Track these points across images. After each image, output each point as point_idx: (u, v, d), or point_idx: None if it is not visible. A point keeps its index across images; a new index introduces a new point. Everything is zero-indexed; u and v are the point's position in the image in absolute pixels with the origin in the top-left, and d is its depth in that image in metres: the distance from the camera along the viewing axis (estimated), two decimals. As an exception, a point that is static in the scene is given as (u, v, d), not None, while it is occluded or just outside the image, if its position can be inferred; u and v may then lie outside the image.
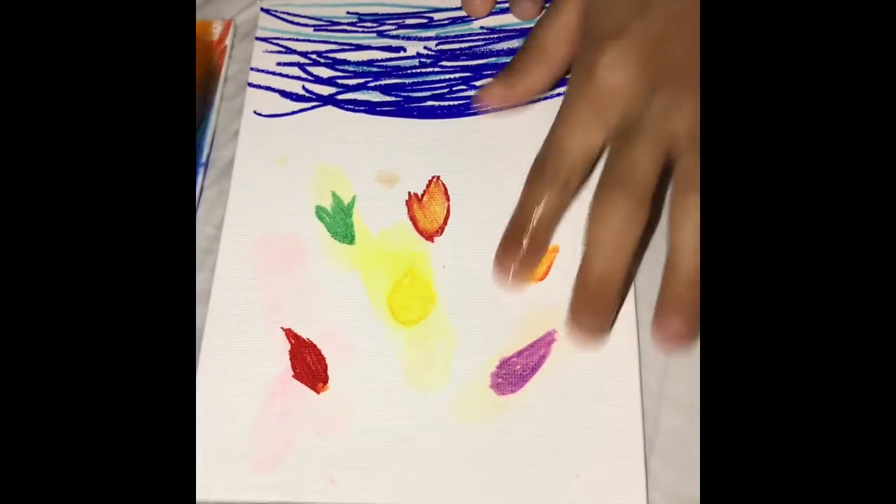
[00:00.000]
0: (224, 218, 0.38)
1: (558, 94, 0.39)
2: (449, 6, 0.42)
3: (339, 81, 0.41)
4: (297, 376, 0.35)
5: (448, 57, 0.41)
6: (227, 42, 0.43)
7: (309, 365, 0.35)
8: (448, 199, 0.38)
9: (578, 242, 0.36)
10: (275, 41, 0.42)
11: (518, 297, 0.35)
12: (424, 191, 0.38)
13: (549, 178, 0.34)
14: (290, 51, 0.42)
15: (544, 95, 0.39)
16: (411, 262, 0.37)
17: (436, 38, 0.42)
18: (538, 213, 0.34)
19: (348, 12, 0.43)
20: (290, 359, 0.35)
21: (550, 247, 0.36)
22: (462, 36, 0.42)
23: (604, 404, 0.33)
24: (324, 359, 0.35)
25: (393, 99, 0.40)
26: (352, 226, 0.37)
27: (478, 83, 0.40)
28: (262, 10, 0.43)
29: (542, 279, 0.36)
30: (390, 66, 0.41)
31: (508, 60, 0.40)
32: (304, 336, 0.35)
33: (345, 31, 0.42)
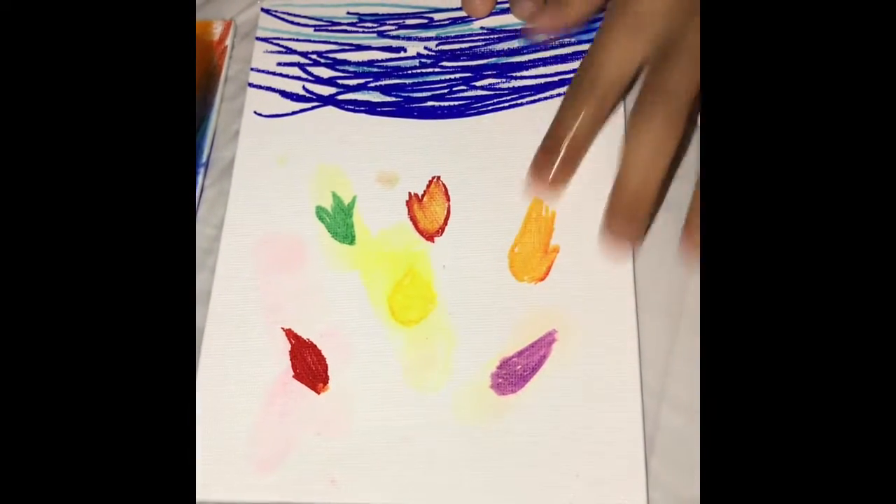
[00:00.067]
0: (224, 218, 0.38)
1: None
2: (449, 6, 0.42)
3: (340, 82, 0.41)
4: (297, 376, 0.35)
5: (448, 57, 0.41)
6: (228, 42, 0.43)
7: (309, 365, 0.35)
8: (448, 200, 0.38)
9: (579, 243, 0.36)
10: (275, 41, 0.42)
11: (518, 297, 0.35)
12: (425, 191, 0.38)
13: (586, 93, 0.35)
14: (290, 51, 0.42)
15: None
16: (411, 263, 0.37)
17: (436, 38, 0.42)
18: (575, 125, 0.35)
19: (349, 12, 0.43)
20: (291, 359, 0.35)
21: (551, 246, 0.36)
22: (462, 36, 0.42)
23: (604, 404, 0.33)
24: (324, 359, 0.35)
25: (393, 99, 0.40)
26: (352, 226, 0.37)
27: (478, 83, 0.40)
28: (262, 10, 0.43)
29: (542, 279, 0.36)
30: (391, 67, 0.41)
31: (509, 60, 0.40)
32: (305, 336, 0.35)
33: (345, 31, 0.42)
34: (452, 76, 0.41)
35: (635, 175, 0.33)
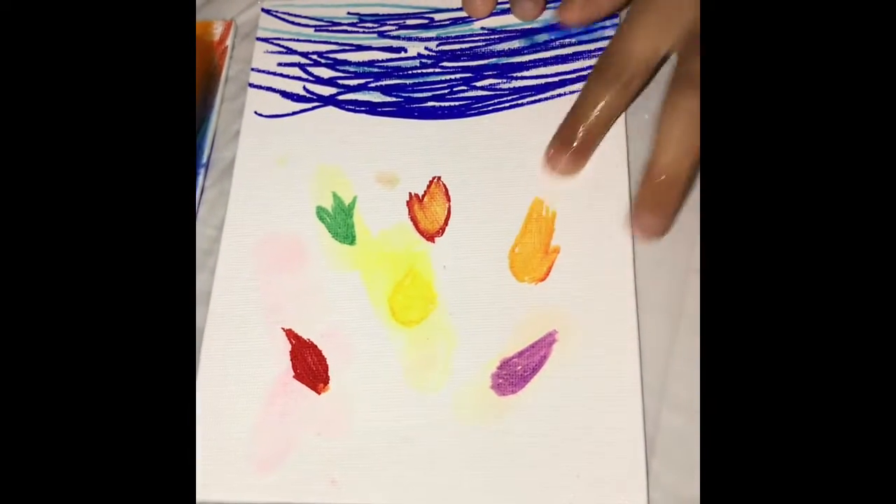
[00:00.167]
0: (225, 219, 0.38)
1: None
2: (450, 7, 0.42)
3: (340, 82, 0.41)
4: (297, 377, 0.35)
5: (449, 57, 0.41)
6: (228, 42, 0.43)
7: (310, 365, 0.35)
8: (449, 200, 0.38)
9: (579, 243, 0.36)
10: (275, 42, 0.42)
11: (519, 297, 0.35)
12: (425, 191, 0.38)
13: (610, 77, 0.35)
14: (290, 51, 0.42)
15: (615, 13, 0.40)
16: (412, 263, 0.37)
17: (436, 38, 0.42)
18: (596, 110, 0.35)
19: (349, 13, 0.43)
20: (291, 359, 0.35)
21: (552, 247, 0.36)
22: (463, 36, 0.42)
23: (604, 404, 0.33)
24: (324, 359, 0.35)
25: (394, 99, 0.40)
26: (352, 226, 0.37)
27: (478, 84, 0.40)
28: (262, 10, 0.43)
29: (542, 280, 0.36)
30: (391, 67, 0.41)
31: (510, 61, 0.40)
32: (305, 336, 0.35)
33: (345, 31, 0.42)
34: (453, 76, 0.41)
35: (667, 161, 0.33)
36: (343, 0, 0.43)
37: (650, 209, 0.34)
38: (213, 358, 0.35)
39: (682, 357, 0.34)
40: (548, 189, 0.37)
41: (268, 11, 0.43)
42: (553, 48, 0.40)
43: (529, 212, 0.37)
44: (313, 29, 0.43)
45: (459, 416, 0.33)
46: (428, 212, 0.37)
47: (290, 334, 0.35)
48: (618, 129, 0.37)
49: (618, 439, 0.32)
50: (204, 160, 0.40)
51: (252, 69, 0.42)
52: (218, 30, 0.43)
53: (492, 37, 0.41)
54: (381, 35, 0.42)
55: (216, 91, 0.42)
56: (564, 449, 0.32)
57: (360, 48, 0.42)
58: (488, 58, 0.41)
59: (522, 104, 0.39)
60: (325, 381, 0.34)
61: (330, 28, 0.43)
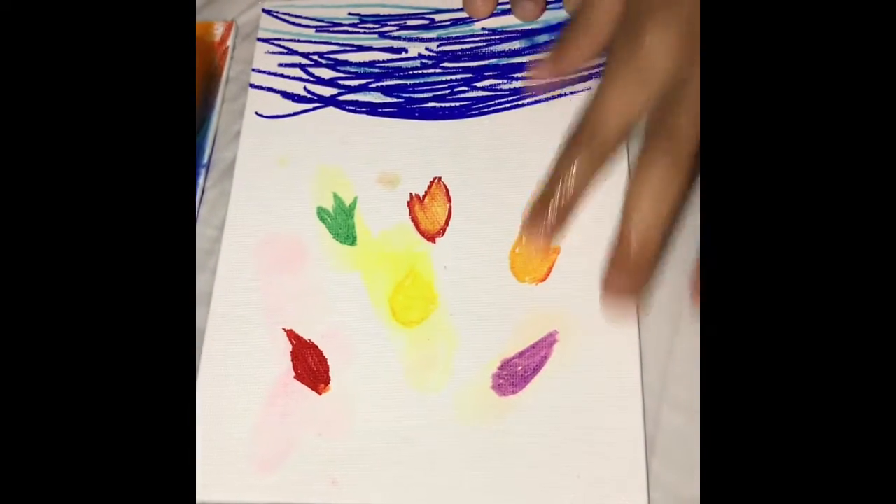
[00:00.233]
0: (225, 219, 0.38)
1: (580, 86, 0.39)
2: (450, 7, 0.42)
3: (341, 82, 0.41)
4: (298, 377, 0.35)
5: (450, 58, 0.41)
6: (229, 43, 0.43)
7: (310, 366, 0.35)
8: (449, 200, 0.38)
9: (580, 244, 0.36)
10: (276, 42, 0.43)
11: (520, 297, 0.35)
12: (426, 192, 0.38)
13: (584, 145, 0.34)
14: (291, 52, 0.42)
15: (590, 70, 0.39)
16: (413, 263, 0.37)
17: (437, 39, 0.42)
18: (570, 180, 0.34)
19: (350, 13, 0.43)
20: (292, 360, 0.35)
21: (552, 247, 0.36)
22: (464, 37, 0.42)
23: (605, 405, 0.33)
24: (325, 360, 0.35)
25: (394, 100, 0.40)
26: (353, 227, 0.38)
27: (479, 84, 0.40)
28: (263, 11, 0.44)
29: (543, 280, 0.36)
30: (392, 68, 0.41)
31: (510, 61, 0.40)
32: (306, 337, 0.35)
33: (346, 32, 0.42)
34: (454, 77, 0.41)
35: (638, 227, 0.31)
36: (344, 1, 0.43)
37: (624, 272, 0.32)
38: (213, 358, 0.35)
39: (683, 357, 0.34)
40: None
41: (268, 12, 0.43)
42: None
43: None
44: (314, 29, 0.43)
45: (460, 416, 0.33)
46: (429, 212, 0.38)
47: (291, 335, 0.35)
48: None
49: (618, 439, 0.32)
50: (205, 160, 0.40)
51: (253, 70, 0.42)
52: (219, 30, 0.43)
53: (492, 37, 0.41)
54: (382, 36, 0.42)
55: (217, 91, 0.42)
56: (565, 449, 0.32)
57: (360, 49, 0.42)
58: (489, 58, 0.41)
59: (523, 105, 0.39)
60: (326, 381, 0.35)
61: (331, 29, 0.43)
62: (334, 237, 0.37)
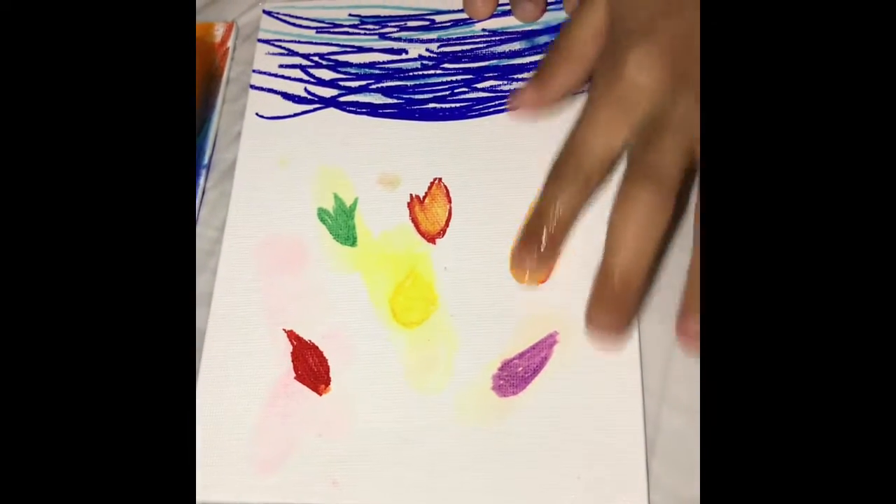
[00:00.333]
0: (226, 220, 0.38)
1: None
2: (451, 8, 0.42)
3: (341, 83, 0.41)
4: (298, 378, 0.35)
5: (450, 59, 0.41)
6: (230, 44, 0.43)
7: (311, 367, 0.35)
8: (450, 201, 0.38)
9: (580, 245, 0.36)
10: (277, 43, 0.43)
11: (520, 298, 0.35)
12: (426, 193, 0.38)
13: (569, 176, 0.33)
14: (292, 53, 0.42)
15: (574, 95, 0.38)
16: (413, 264, 0.37)
17: (438, 40, 0.42)
18: (557, 211, 0.33)
19: (350, 14, 0.43)
20: (292, 360, 0.35)
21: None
22: (464, 38, 0.42)
23: (605, 406, 0.33)
24: (325, 360, 0.35)
25: (395, 101, 0.40)
26: (354, 228, 0.38)
27: (479, 85, 0.40)
28: (264, 12, 0.44)
29: (543, 281, 0.36)
30: (392, 69, 0.41)
31: (511, 62, 0.41)
32: (306, 338, 0.35)
33: (347, 33, 0.42)
34: (454, 78, 0.41)
35: (621, 261, 0.31)
36: (344, 2, 0.43)
37: (608, 310, 0.32)
38: (214, 359, 0.35)
39: (683, 358, 0.34)
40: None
41: (269, 13, 0.43)
42: (554, 50, 0.40)
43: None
44: (314, 30, 0.43)
45: (460, 417, 0.33)
46: (429, 213, 0.38)
47: (292, 335, 0.35)
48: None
49: (618, 440, 0.32)
50: (205, 161, 0.40)
51: (253, 71, 0.42)
52: (219, 31, 0.43)
53: (493, 38, 0.42)
54: (383, 37, 0.42)
55: (217, 92, 0.42)
56: (565, 450, 0.32)
57: (361, 50, 0.42)
58: (489, 59, 0.41)
59: (522, 106, 0.39)
60: (327, 382, 0.35)
61: (331, 30, 0.43)
62: (335, 238, 0.37)
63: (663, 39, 0.33)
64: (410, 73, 0.41)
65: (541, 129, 0.37)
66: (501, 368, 0.34)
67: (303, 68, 0.42)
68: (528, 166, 0.37)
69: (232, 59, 0.43)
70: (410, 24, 0.42)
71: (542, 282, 0.35)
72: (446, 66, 0.41)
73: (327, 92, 0.41)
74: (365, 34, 0.42)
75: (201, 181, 0.39)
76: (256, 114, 0.41)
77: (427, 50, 0.42)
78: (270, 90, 0.41)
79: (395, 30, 0.42)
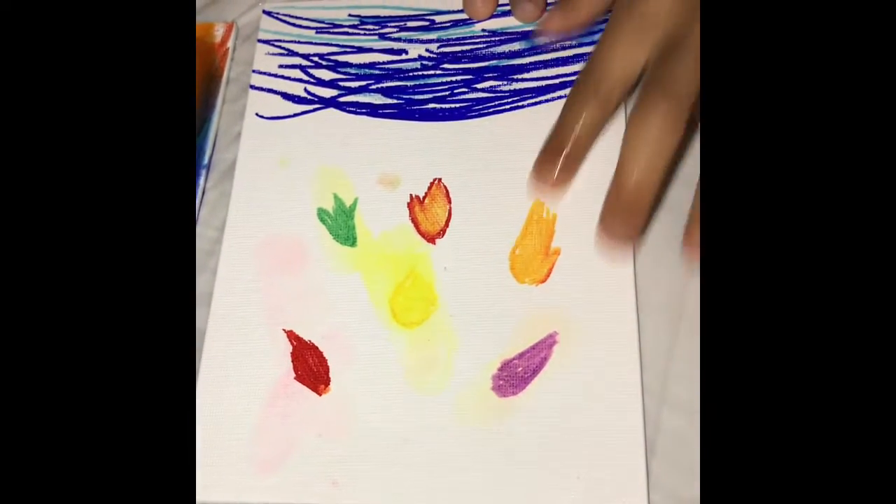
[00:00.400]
0: (226, 220, 0.38)
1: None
2: (451, 9, 0.42)
3: (341, 84, 0.41)
4: (298, 378, 0.35)
5: (450, 59, 0.41)
6: (230, 44, 0.43)
7: (311, 367, 0.35)
8: (450, 202, 0.38)
9: (580, 245, 0.36)
10: (277, 43, 0.43)
11: (520, 298, 0.35)
12: (426, 193, 0.38)
13: (590, 93, 0.35)
14: (292, 53, 0.42)
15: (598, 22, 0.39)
16: (413, 265, 0.37)
17: (437, 40, 0.42)
18: (578, 126, 0.35)
19: (350, 15, 0.43)
20: (292, 360, 0.35)
21: (552, 248, 0.36)
22: (464, 38, 0.42)
23: (604, 406, 0.33)
24: (325, 361, 0.35)
25: (395, 101, 0.40)
26: (353, 228, 0.38)
27: (479, 85, 0.40)
28: (264, 12, 0.44)
29: (543, 281, 0.36)
30: (392, 69, 0.41)
31: (510, 63, 0.41)
32: (306, 338, 0.35)
33: (346, 33, 0.42)
34: (454, 78, 0.41)
35: (634, 172, 0.32)
36: (344, 2, 0.43)
37: (620, 218, 0.33)
38: (214, 359, 0.35)
39: (683, 358, 0.34)
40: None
41: (269, 13, 0.43)
42: (553, 50, 0.41)
43: (530, 214, 0.37)
44: (314, 31, 0.43)
45: (460, 417, 0.33)
46: (429, 213, 0.38)
47: (291, 336, 0.35)
48: (617, 130, 0.37)
49: (618, 441, 0.32)
50: (205, 162, 0.40)
51: (253, 71, 0.42)
52: (219, 32, 0.43)
53: (492, 39, 0.42)
54: (382, 37, 0.42)
55: (217, 93, 0.42)
56: (565, 450, 0.32)
57: (361, 50, 0.42)
58: (489, 60, 0.41)
59: (523, 106, 0.40)
60: (326, 382, 0.35)
61: (331, 30, 0.43)
62: (335, 238, 0.37)
63: None
64: (410, 74, 0.41)
65: (541, 129, 0.37)
66: (501, 369, 0.34)
67: (303, 68, 0.42)
68: (528, 166, 0.37)
69: (232, 59, 0.43)
70: (410, 24, 0.42)
71: (542, 281, 0.36)
72: (446, 66, 0.41)
73: (327, 92, 0.41)
74: (365, 34, 0.42)
75: (201, 181, 0.39)
76: (256, 114, 0.41)
77: (427, 50, 0.42)
78: (270, 90, 0.41)
79: (394, 30, 0.42)
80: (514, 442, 0.33)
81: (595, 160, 0.37)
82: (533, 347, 0.34)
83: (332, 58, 0.42)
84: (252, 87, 0.42)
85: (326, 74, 0.41)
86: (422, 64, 0.41)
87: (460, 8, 0.42)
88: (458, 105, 0.40)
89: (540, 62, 0.40)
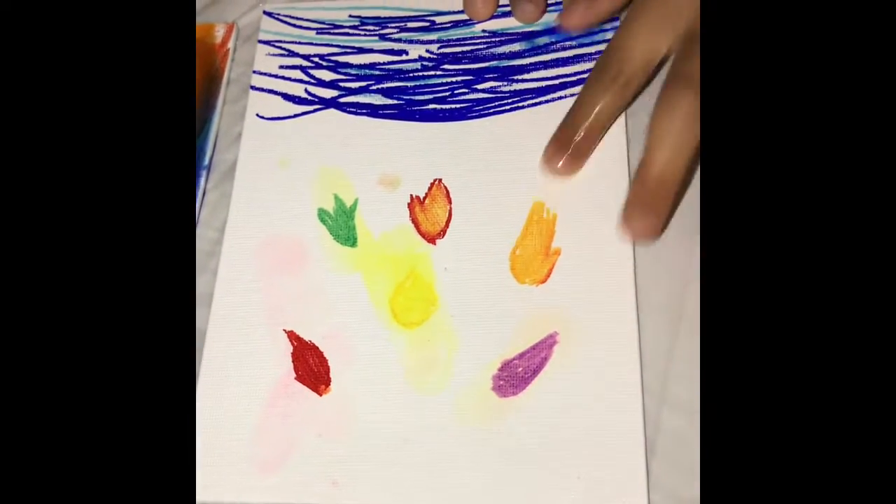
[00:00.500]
0: (226, 221, 0.38)
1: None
2: (451, 9, 0.42)
3: (342, 84, 0.41)
4: (299, 378, 0.35)
5: (450, 60, 0.41)
6: (230, 45, 0.43)
7: (311, 367, 0.35)
8: (450, 202, 0.38)
9: (580, 245, 0.36)
10: (277, 44, 0.43)
11: (520, 299, 0.35)
12: (426, 193, 0.38)
13: (610, 78, 0.35)
14: (292, 54, 0.42)
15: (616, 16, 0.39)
16: (413, 265, 0.37)
17: (438, 41, 0.42)
18: (594, 111, 0.35)
19: (350, 15, 0.43)
20: (293, 361, 0.35)
21: (552, 249, 0.36)
22: (464, 39, 0.42)
23: (605, 406, 0.33)
24: (326, 361, 0.35)
25: (395, 102, 0.40)
26: (354, 228, 0.38)
27: (479, 86, 0.40)
28: (264, 13, 0.44)
29: (543, 281, 0.36)
30: (392, 70, 0.41)
31: (511, 63, 0.41)
32: (307, 338, 0.35)
33: (347, 34, 0.43)
34: (454, 79, 0.41)
35: (660, 160, 0.32)
36: (344, 3, 0.43)
37: (643, 210, 0.33)
38: (214, 359, 0.35)
39: (683, 358, 0.34)
40: (548, 191, 0.37)
41: (270, 14, 0.44)
42: (554, 51, 0.41)
43: (530, 214, 0.37)
44: (315, 31, 0.43)
45: (460, 417, 0.33)
46: (429, 214, 0.38)
47: (292, 336, 0.36)
48: (618, 130, 0.38)
49: (618, 441, 0.32)
50: (206, 162, 0.40)
51: (254, 72, 0.42)
52: (220, 32, 0.43)
53: (493, 39, 0.42)
54: (383, 38, 0.42)
55: (218, 93, 0.42)
56: (565, 450, 0.32)
57: (361, 51, 0.42)
58: (489, 60, 0.41)
59: (523, 107, 0.40)
60: (327, 382, 0.35)
61: (331, 31, 0.43)
62: (335, 239, 0.37)
63: None
64: (411, 74, 0.41)
65: (541, 129, 0.37)
66: (501, 369, 0.34)
67: (303, 69, 0.42)
68: (527, 167, 0.37)
69: (232, 60, 0.43)
70: (411, 25, 0.42)
71: (543, 282, 0.36)
72: (446, 67, 0.41)
73: (328, 93, 0.41)
74: (365, 35, 0.42)
75: (202, 182, 0.39)
76: (257, 115, 0.41)
77: (427, 51, 0.42)
78: (271, 91, 0.41)
79: (395, 31, 0.42)
80: (514, 442, 0.33)
81: (595, 160, 0.37)
82: (533, 347, 0.34)
83: (333, 58, 0.42)
84: (252, 87, 0.42)
85: (327, 75, 0.41)
86: (422, 64, 0.41)
87: (461, 9, 0.42)
88: (458, 106, 0.40)
89: (540, 63, 0.40)
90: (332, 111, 0.41)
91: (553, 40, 0.41)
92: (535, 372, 0.34)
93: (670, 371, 0.34)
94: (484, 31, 0.42)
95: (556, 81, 0.40)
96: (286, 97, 0.41)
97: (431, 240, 0.37)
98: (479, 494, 0.32)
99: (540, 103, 0.39)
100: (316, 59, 0.42)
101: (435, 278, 0.36)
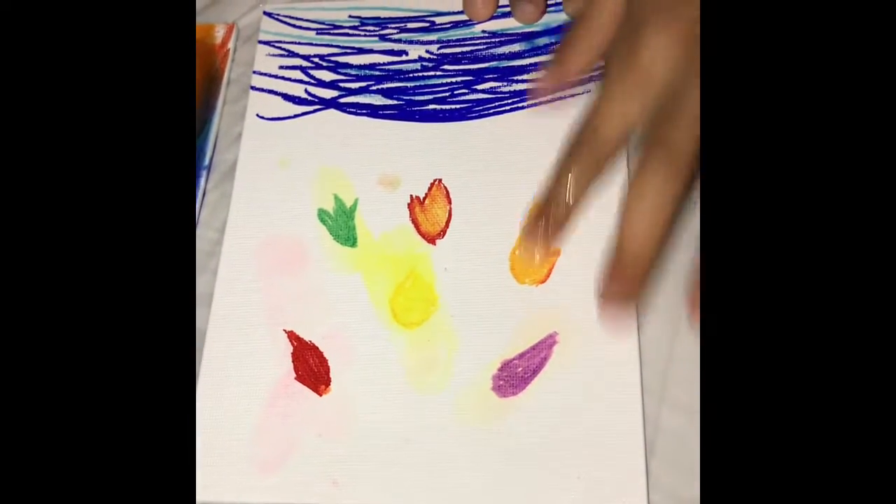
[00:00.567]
0: (227, 221, 0.38)
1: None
2: (451, 10, 0.42)
3: (342, 85, 0.41)
4: (299, 378, 0.35)
5: (450, 60, 0.41)
6: (230, 45, 0.43)
7: (311, 367, 0.35)
8: (450, 202, 0.38)
9: (580, 246, 0.36)
10: (277, 45, 0.43)
11: (520, 299, 0.35)
12: (426, 194, 0.38)
13: (583, 156, 0.34)
14: (292, 54, 0.42)
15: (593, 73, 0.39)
16: (413, 265, 0.37)
17: (438, 41, 0.42)
18: (570, 186, 0.34)
19: (350, 16, 0.43)
20: (293, 361, 0.35)
21: (552, 249, 0.36)
22: (464, 39, 0.42)
23: (604, 406, 0.33)
24: (326, 361, 0.35)
25: (395, 102, 0.40)
26: (354, 228, 0.38)
27: (479, 87, 0.40)
28: (264, 13, 0.44)
29: (543, 282, 0.36)
30: (392, 70, 0.41)
31: (510, 64, 0.41)
32: (307, 338, 0.35)
33: (347, 34, 0.43)
34: (454, 79, 0.41)
35: (636, 234, 0.31)
36: (344, 3, 0.43)
37: (618, 281, 0.32)
38: (214, 359, 0.35)
39: (682, 359, 0.34)
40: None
41: (270, 14, 0.44)
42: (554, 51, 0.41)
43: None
44: (315, 32, 0.43)
45: (460, 417, 0.33)
46: (429, 214, 0.38)
47: (292, 336, 0.36)
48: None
49: (618, 441, 0.32)
50: (206, 163, 0.40)
51: (254, 72, 0.42)
52: (220, 33, 0.43)
53: (492, 40, 0.42)
54: (383, 38, 0.42)
55: (218, 94, 0.42)
56: (564, 450, 0.32)
57: (361, 51, 0.42)
58: (489, 61, 0.41)
59: (523, 107, 0.40)
60: (327, 382, 0.35)
61: (331, 31, 0.43)
62: (335, 239, 0.37)
63: (683, 15, 0.32)
64: (410, 75, 0.41)
65: (541, 129, 0.37)
66: (501, 369, 0.34)
67: (303, 69, 0.42)
68: (527, 167, 0.37)
69: (232, 60, 0.43)
70: (410, 25, 0.42)
71: (542, 282, 0.36)
72: (446, 67, 0.41)
73: (327, 93, 0.41)
74: (365, 35, 0.42)
75: (202, 182, 0.39)
76: (257, 115, 0.41)
77: (427, 51, 0.42)
78: (271, 91, 0.41)
79: (395, 31, 0.42)
80: (514, 442, 0.33)
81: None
82: (533, 348, 0.34)
83: (333, 59, 0.42)
84: (252, 88, 0.42)
85: (327, 75, 0.41)
86: (422, 65, 0.41)
87: (460, 9, 0.42)
88: (458, 106, 0.40)
89: (540, 63, 0.40)
90: (332, 111, 0.41)
91: (553, 41, 0.41)
92: (535, 372, 0.34)
93: (670, 371, 0.34)
94: (484, 31, 0.42)
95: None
96: (286, 97, 0.41)
97: (431, 240, 0.37)
98: (479, 494, 0.32)
99: (540, 103, 0.39)
100: (316, 60, 0.42)
101: (435, 278, 0.36)
